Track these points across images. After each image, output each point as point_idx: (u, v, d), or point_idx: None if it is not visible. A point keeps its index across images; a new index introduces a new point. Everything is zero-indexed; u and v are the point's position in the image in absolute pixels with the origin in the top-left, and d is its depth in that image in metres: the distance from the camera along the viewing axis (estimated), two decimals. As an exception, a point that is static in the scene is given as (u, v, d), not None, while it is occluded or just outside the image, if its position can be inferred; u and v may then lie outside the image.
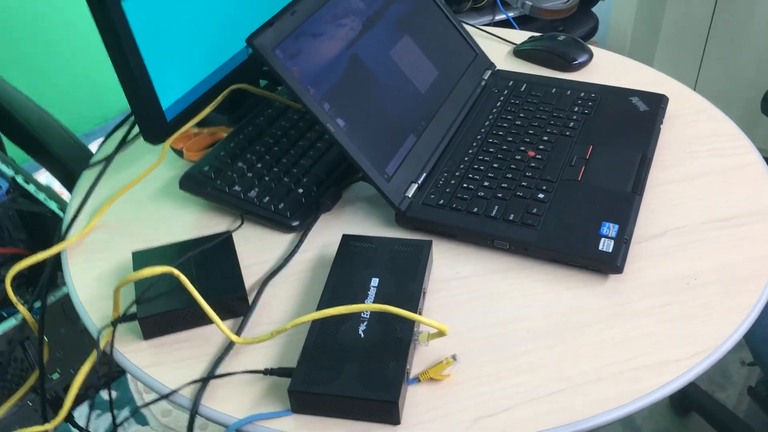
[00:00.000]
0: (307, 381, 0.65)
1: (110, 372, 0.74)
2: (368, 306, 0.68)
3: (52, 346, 0.94)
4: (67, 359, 0.97)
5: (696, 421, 1.61)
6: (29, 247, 1.15)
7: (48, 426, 0.74)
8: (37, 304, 0.88)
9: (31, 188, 1.06)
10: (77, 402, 0.95)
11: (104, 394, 1.78)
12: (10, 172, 1.08)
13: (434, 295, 0.77)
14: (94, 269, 0.83)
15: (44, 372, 0.85)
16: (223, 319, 0.76)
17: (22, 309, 0.83)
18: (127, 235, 0.88)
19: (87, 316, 0.78)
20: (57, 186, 1.86)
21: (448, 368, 0.68)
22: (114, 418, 0.70)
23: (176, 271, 0.70)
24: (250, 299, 0.77)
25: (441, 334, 0.68)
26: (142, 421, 1.80)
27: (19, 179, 1.07)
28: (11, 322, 0.87)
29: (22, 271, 0.85)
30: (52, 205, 1.02)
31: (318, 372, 0.66)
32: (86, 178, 0.98)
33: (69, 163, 1.11)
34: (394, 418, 0.64)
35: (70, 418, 0.99)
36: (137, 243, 0.86)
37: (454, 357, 0.68)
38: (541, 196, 0.84)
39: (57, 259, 0.86)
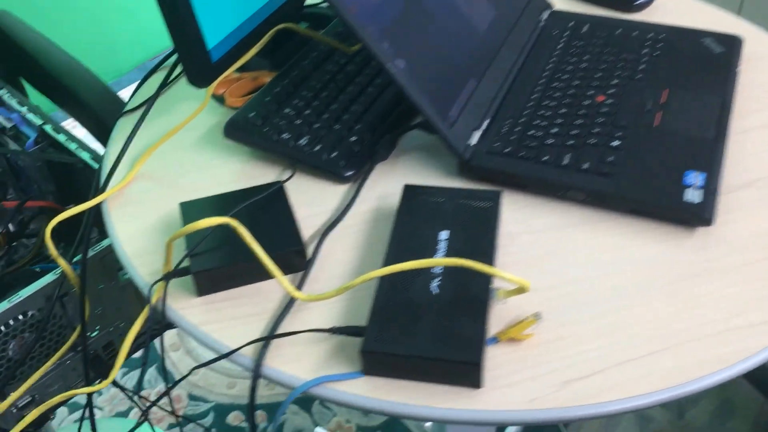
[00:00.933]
0: (381, 341, 0.60)
1: (162, 327, 0.69)
2: (442, 260, 0.63)
3: (90, 302, 0.90)
4: (107, 316, 0.93)
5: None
6: (59, 201, 1.10)
7: (97, 387, 0.69)
8: (77, 258, 0.83)
9: (61, 137, 1.00)
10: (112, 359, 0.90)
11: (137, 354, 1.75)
12: (38, 120, 1.02)
13: (505, 250, 0.72)
14: (138, 221, 0.78)
15: (86, 329, 0.80)
16: (285, 273, 0.71)
17: (63, 262, 0.78)
18: (171, 186, 0.82)
19: (134, 270, 0.73)
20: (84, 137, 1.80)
21: (531, 327, 0.63)
22: (166, 377, 0.66)
23: (234, 222, 0.65)
24: (308, 254, 0.72)
25: (521, 290, 0.63)
26: (171, 379, 1.77)
27: (48, 128, 1.02)
28: (49, 278, 0.82)
29: (54, 226, 0.80)
30: (85, 156, 0.96)
31: (391, 331, 0.61)
32: (122, 126, 0.93)
33: (100, 111, 1.05)
34: (475, 381, 0.59)
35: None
36: (182, 194, 0.81)
37: (537, 315, 0.63)
38: (615, 143, 0.78)
39: (95, 212, 0.81)
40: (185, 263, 0.69)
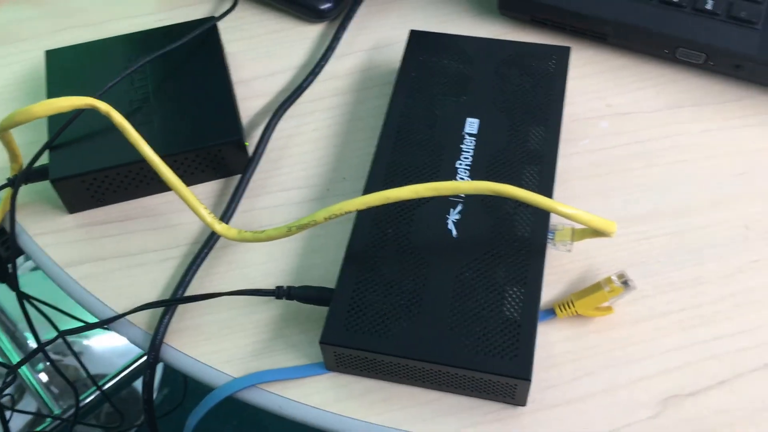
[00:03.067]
0: (356, 323, 0.35)
1: (13, 262, 0.44)
2: (468, 184, 0.35)
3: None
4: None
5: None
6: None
7: None
8: None
9: None
10: None
11: None
12: None
13: (569, 148, 0.44)
14: (-8, 77, 0.50)
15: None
16: (203, 180, 0.44)
17: None
18: (52, 16, 0.53)
19: (-24, 161, 0.46)
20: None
21: (612, 299, 0.37)
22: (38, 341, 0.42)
23: (104, 106, 0.37)
24: (250, 148, 0.45)
25: (601, 233, 0.37)
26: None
27: None
28: None
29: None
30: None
31: (377, 304, 0.35)
32: None
33: None
34: (517, 397, 0.35)
35: (5, 276, 0.71)
36: (64, 30, 0.52)
37: (624, 281, 0.37)
38: (759, -32, 0.47)
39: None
40: (43, 160, 0.42)
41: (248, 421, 1.17)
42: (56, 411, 1.19)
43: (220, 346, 0.38)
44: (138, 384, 1.24)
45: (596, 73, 0.47)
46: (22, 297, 0.47)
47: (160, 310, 0.39)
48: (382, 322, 0.35)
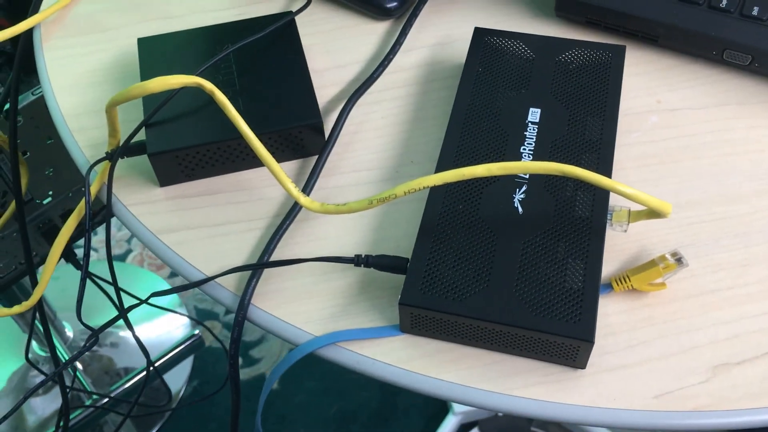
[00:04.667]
0: (433, 287, 0.38)
1: (108, 234, 0.47)
2: (533, 165, 0.39)
3: (37, 162, 0.68)
4: (61, 178, 0.71)
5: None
6: (11, 17, 0.85)
7: (17, 309, 0.49)
8: (7, 107, 0.60)
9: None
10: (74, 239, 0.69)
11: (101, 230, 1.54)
12: None
13: (625, 139, 0.47)
14: (82, 62, 0.54)
15: (21, 199, 0.59)
16: (281, 160, 0.47)
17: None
18: (133, 8, 0.57)
19: (70, 136, 0.50)
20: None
21: (666, 275, 0.40)
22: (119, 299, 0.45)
23: (209, 84, 0.41)
24: (326, 131, 0.48)
25: (657, 214, 0.40)
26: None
27: None
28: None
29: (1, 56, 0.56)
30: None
31: (450, 272, 0.38)
32: None
33: None
34: (579, 360, 0.38)
35: (71, 257, 0.75)
36: (147, 22, 0.56)
37: (678, 258, 0.40)
38: (802, -23, 0.51)
39: (30, 40, 0.57)
40: (140, 136, 0.46)
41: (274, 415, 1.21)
42: (88, 400, 1.23)
43: (301, 308, 0.41)
44: (167, 376, 1.27)
45: (647, 72, 0.50)
46: (87, 274, 0.51)
47: (246, 274, 0.42)
48: (455, 287, 0.38)
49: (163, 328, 1.31)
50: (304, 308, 0.41)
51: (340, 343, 0.40)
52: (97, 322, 1.30)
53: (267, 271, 0.42)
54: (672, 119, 0.48)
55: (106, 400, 1.14)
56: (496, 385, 0.38)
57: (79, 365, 1.28)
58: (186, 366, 1.29)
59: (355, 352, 0.40)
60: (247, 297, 0.41)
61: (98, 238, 1.55)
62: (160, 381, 1.23)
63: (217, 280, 0.42)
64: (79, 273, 1.14)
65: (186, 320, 1.32)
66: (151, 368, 0.82)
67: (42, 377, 1.26)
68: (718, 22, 0.49)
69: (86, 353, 1.28)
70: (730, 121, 0.48)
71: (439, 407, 1.20)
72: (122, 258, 1.47)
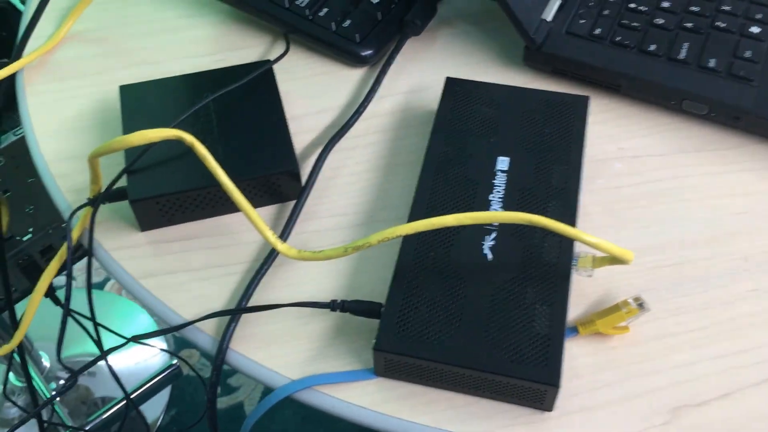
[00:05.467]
0: (406, 333, 0.39)
1: (89, 276, 0.48)
2: (503, 214, 0.41)
3: (18, 200, 0.68)
4: (41, 216, 0.72)
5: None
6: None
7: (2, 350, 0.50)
8: (-11, 149, 0.61)
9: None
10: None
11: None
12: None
13: (586, 184, 0.49)
14: (64, 107, 0.55)
15: (2, 238, 0.60)
16: (259, 205, 0.49)
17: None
18: (114, 55, 0.58)
19: (52, 181, 0.51)
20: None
21: (629, 319, 0.42)
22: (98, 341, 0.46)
23: (189, 137, 0.42)
24: (304, 176, 0.50)
25: (619, 261, 0.42)
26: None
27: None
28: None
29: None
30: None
31: (423, 317, 0.40)
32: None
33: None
34: (546, 403, 0.40)
35: (50, 292, 0.76)
36: (127, 67, 0.57)
37: (640, 303, 0.42)
38: (755, 30, 0.54)
39: (12, 83, 0.58)
40: (122, 182, 0.47)
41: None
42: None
43: (279, 352, 0.42)
44: (144, 405, 1.27)
45: (610, 119, 0.53)
46: (68, 313, 0.51)
47: (225, 318, 0.44)
48: (427, 332, 0.39)
49: (140, 357, 1.30)
50: (282, 351, 0.42)
51: (317, 387, 0.41)
52: (74, 351, 1.29)
53: (245, 316, 0.44)
54: (634, 166, 0.50)
55: (82, 433, 1.13)
56: (469, 427, 0.40)
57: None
58: (164, 395, 1.29)
59: (331, 395, 0.41)
60: (226, 341, 0.42)
61: (76, 267, 1.54)
62: (124, 417, 1.23)
63: (196, 324, 0.43)
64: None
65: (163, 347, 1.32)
66: (130, 400, 0.82)
67: (15, 409, 1.25)
68: (677, 74, 0.52)
69: (62, 382, 1.27)
70: (688, 168, 0.50)
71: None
72: (101, 286, 1.46)
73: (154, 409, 1.27)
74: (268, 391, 1.30)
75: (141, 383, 1.16)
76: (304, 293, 0.45)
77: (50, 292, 0.76)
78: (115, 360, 1.28)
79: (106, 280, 1.50)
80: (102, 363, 1.29)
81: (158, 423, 1.26)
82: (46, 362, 1.28)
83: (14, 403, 0.75)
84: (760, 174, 0.49)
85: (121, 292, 1.45)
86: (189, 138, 0.42)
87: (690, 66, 0.52)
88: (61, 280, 1.25)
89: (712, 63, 0.52)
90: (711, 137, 0.51)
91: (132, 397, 1.21)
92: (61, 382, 1.26)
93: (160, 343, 1.32)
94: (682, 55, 0.52)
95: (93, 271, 1.48)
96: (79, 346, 1.24)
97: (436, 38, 0.58)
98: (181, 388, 1.30)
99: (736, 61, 0.52)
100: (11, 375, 1.24)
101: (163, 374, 1.22)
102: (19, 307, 0.72)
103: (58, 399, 1.28)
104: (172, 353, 1.10)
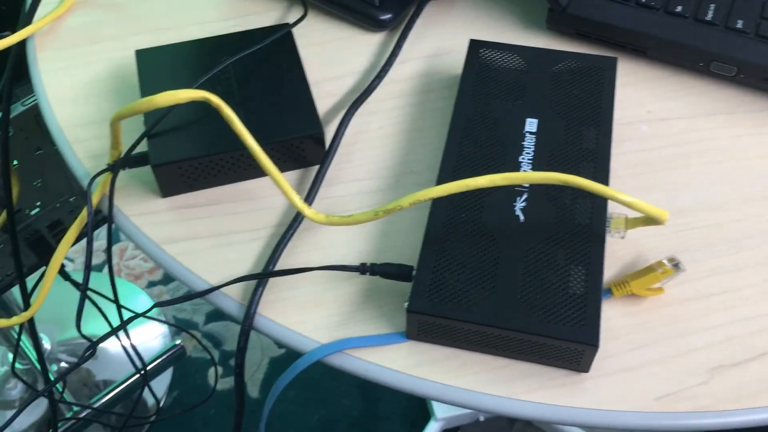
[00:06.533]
0: (439, 294, 0.39)
1: (109, 245, 0.47)
2: (533, 175, 0.40)
3: (27, 172, 0.67)
4: (50, 189, 0.71)
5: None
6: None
7: (15, 320, 0.49)
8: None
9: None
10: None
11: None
12: None
13: (614, 147, 0.49)
14: (77, 73, 0.54)
15: (13, 210, 0.59)
16: (282, 171, 0.48)
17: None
18: (128, 19, 0.57)
19: (69, 149, 0.50)
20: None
21: (664, 280, 0.41)
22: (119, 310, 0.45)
23: (216, 99, 0.41)
24: (326, 141, 0.49)
25: (654, 221, 0.41)
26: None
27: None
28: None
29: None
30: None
31: (454, 279, 0.39)
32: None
33: None
34: (582, 364, 0.39)
35: (61, 270, 0.75)
36: (142, 34, 0.56)
37: (676, 264, 0.41)
38: (782, -8, 0.53)
39: (23, 51, 0.56)
40: (142, 147, 0.46)
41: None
42: (68, 413, 1.21)
43: (307, 317, 0.42)
44: (146, 392, 1.27)
45: (636, 82, 0.52)
46: (87, 283, 0.50)
47: (251, 283, 0.43)
48: (461, 294, 0.39)
49: (142, 338, 1.30)
50: (310, 317, 0.42)
51: (347, 351, 0.40)
52: (76, 333, 1.28)
53: (272, 281, 0.43)
54: (662, 129, 0.49)
55: (88, 411, 1.13)
56: (503, 390, 0.39)
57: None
58: (166, 376, 1.29)
59: (363, 359, 0.40)
60: (254, 306, 0.41)
61: (73, 249, 1.53)
62: (140, 393, 1.22)
63: (222, 289, 0.43)
64: (60, 283, 1.13)
65: (164, 330, 1.31)
66: (142, 376, 0.81)
67: (16, 391, 1.24)
68: (705, 35, 0.51)
69: (64, 365, 1.26)
70: (717, 131, 0.49)
71: (421, 413, 1.20)
72: (99, 268, 1.45)
73: (156, 390, 1.27)
74: (270, 373, 1.30)
75: (148, 361, 1.15)
76: (331, 257, 0.44)
77: (59, 269, 0.74)
78: (115, 343, 1.28)
79: (104, 262, 1.49)
80: (104, 345, 1.28)
81: (161, 404, 1.25)
82: (47, 344, 1.27)
83: (23, 381, 0.74)
84: (790, 136, 0.49)
85: (120, 274, 1.44)
86: (216, 100, 0.41)
87: (717, 27, 0.51)
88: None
89: (739, 24, 0.51)
90: (740, 99, 0.51)
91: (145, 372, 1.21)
92: (63, 364, 1.25)
93: (161, 327, 1.32)
94: (710, 16, 0.51)
95: (92, 254, 1.47)
96: (83, 326, 1.23)
97: (456, 2, 0.57)
98: (183, 369, 1.29)
99: (764, 21, 0.51)
100: (11, 356, 1.23)
101: (168, 354, 1.21)
102: (27, 283, 0.71)
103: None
104: (182, 328, 1.09)
